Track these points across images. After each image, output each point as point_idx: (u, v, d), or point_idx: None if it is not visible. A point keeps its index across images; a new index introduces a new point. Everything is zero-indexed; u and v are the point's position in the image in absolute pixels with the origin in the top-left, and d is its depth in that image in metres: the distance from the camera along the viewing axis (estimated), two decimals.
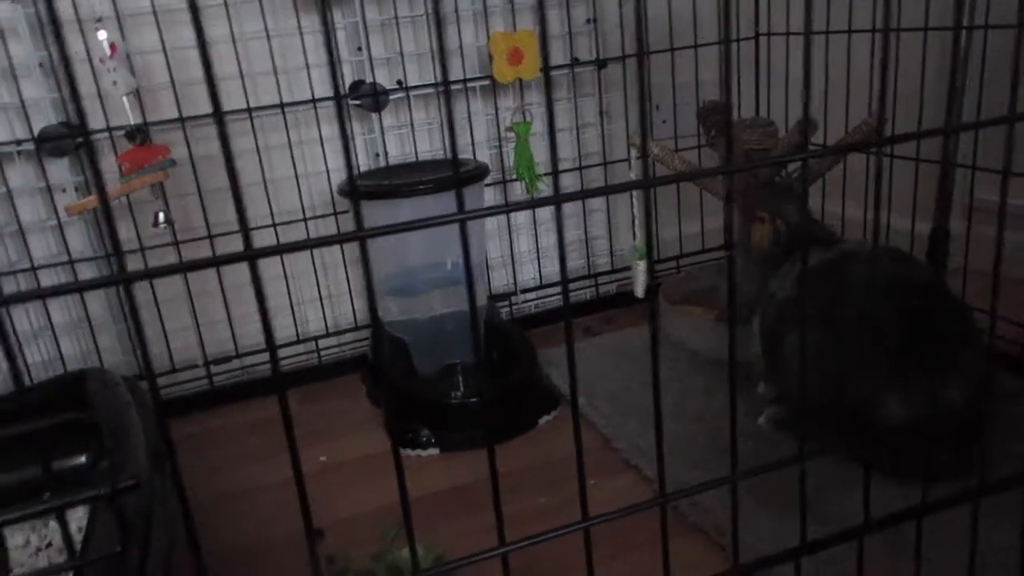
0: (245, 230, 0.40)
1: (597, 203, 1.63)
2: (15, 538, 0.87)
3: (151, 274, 0.39)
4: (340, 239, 0.43)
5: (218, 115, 0.38)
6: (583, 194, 0.46)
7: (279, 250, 0.42)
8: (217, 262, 0.38)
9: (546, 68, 0.41)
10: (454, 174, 1.28)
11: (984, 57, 1.21)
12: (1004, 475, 0.61)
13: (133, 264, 1.34)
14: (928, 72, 1.26)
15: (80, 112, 0.37)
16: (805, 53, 0.46)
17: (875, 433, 0.95)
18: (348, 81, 1.41)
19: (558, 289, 1.64)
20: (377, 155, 1.45)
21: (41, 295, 0.39)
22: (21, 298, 0.38)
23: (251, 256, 0.41)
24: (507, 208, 0.46)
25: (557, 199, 0.46)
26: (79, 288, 0.36)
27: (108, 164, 1.29)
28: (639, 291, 1.47)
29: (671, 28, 1.51)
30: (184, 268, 0.38)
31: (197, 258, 0.40)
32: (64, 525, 0.46)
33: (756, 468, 0.58)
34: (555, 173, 0.46)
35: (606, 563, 0.91)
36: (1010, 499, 0.68)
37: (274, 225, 1.39)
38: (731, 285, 0.55)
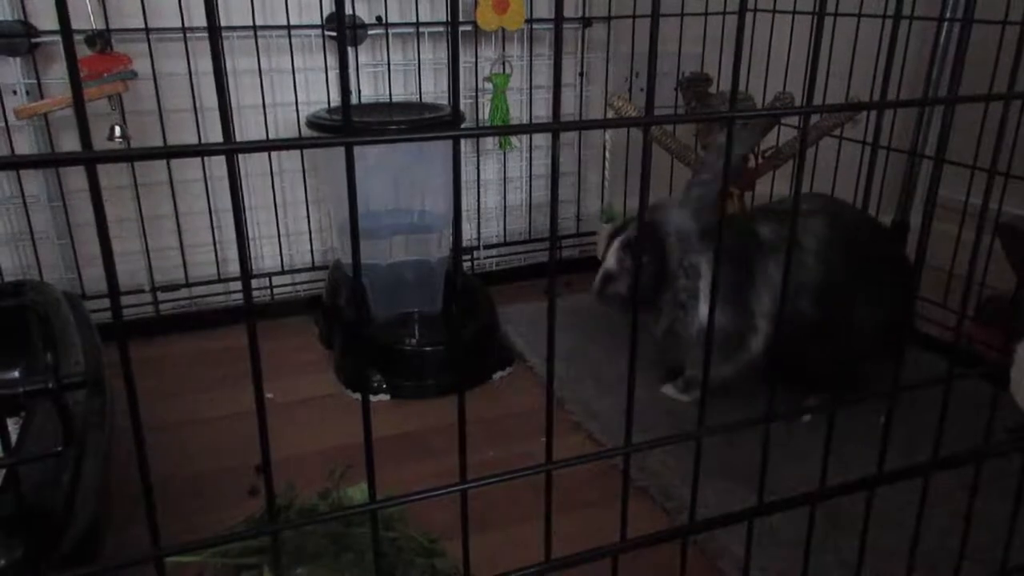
0: (225, 120, 0.38)
1: (568, 166, 1.61)
2: None
3: (125, 157, 0.36)
4: (330, 143, 0.40)
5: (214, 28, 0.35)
6: (580, 124, 0.44)
7: (265, 147, 0.39)
8: (201, 151, 0.36)
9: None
10: (453, 110, 1.25)
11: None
12: (951, 454, 0.62)
13: (79, 179, 1.27)
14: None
15: None
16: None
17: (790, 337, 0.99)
18: (326, 12, 1.35)
19: (521, 248, 1.62)
20: (349, 92, 1.40)
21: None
22: None
23: (231, 150, 0.39)
24: (503, 130, 0.44)
25: (556, 126, 0.45)
26: (50, 161, 0.33)
27: (63, 70, 1.23)
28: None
29: None
30: (167, 153, 0.35)
31: (179, 143, 0.37)
32: (3, 422, 0.43)
33: (722, 426, 0.58)
34: (556, 95, 0.44)
35: (553, 519, 0.91)
36: (949, 484, 0.70)
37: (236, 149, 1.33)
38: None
